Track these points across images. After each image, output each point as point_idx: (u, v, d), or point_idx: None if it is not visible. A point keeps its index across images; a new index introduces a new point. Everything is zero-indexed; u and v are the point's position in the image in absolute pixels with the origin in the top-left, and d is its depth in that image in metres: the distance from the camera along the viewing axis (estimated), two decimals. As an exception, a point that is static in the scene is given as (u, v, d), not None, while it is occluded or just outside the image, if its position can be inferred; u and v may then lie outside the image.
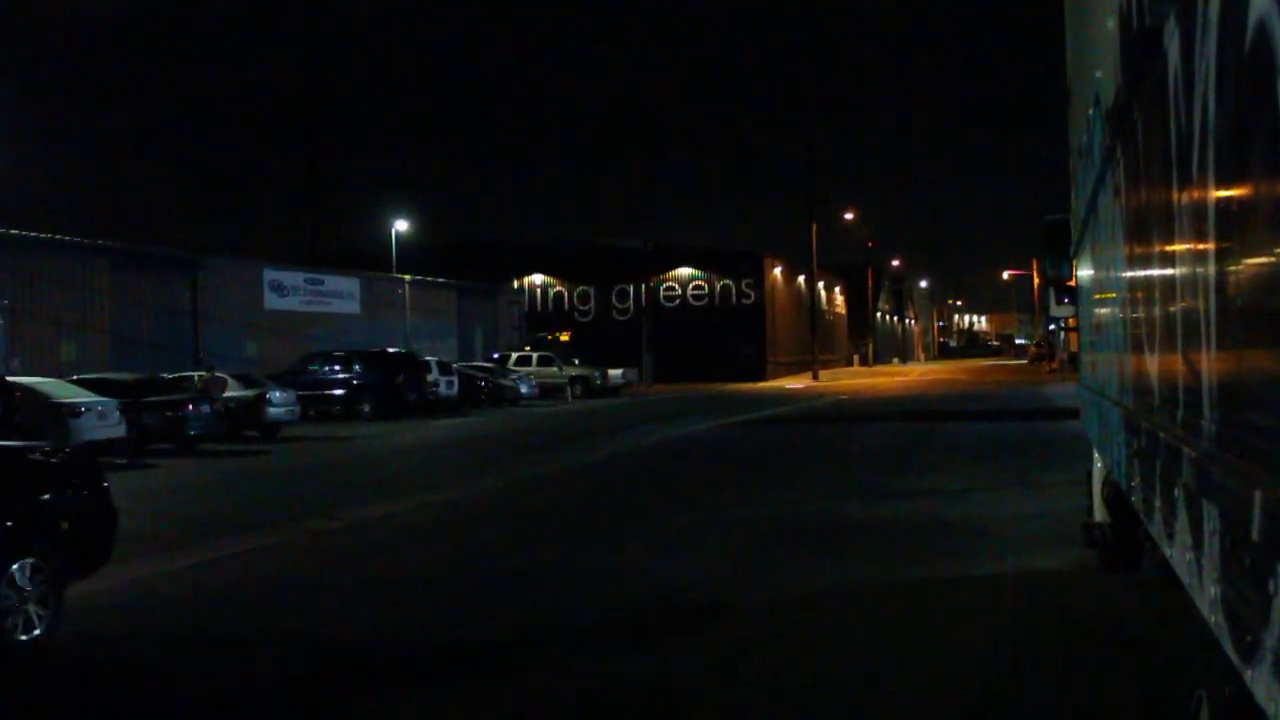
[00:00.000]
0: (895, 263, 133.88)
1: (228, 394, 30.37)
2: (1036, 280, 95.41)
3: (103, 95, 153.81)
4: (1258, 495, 2.31)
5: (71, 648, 8.72)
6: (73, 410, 23.38)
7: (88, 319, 39.09)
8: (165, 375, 31.39)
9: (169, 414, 26.35)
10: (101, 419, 23.80)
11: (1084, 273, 9.39)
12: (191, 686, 7.88)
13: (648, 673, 7.83)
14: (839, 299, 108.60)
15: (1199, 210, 3.02)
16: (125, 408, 24.64)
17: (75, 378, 27.58)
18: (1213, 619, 2.93)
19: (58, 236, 39.60)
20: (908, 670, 7.70)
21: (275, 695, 7.63)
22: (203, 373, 31.07)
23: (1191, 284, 3.21)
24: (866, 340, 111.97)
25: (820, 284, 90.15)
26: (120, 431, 24.22)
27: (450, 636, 9.04)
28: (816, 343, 77.20)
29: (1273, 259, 2.26)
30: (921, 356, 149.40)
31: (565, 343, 66.46)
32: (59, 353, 37.02)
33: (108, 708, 7.50)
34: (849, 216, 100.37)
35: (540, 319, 77.18)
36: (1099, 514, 9.36)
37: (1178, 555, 3.62)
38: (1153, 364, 4.28)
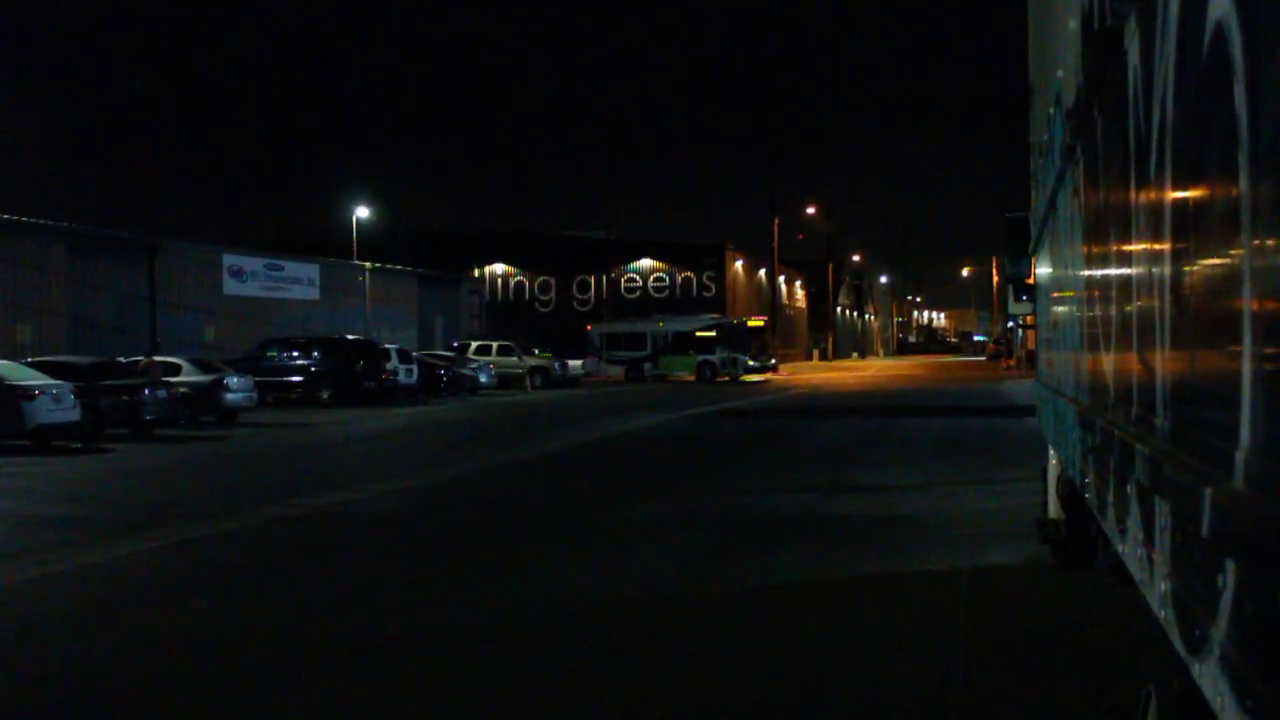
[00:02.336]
0: (856, 258, 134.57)
1: (184, 378, 30.15)
2: (995, 278, 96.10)
3: (62, 76, 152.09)
4: (1208, 492, 2.34)
5: None
6: (27, 393, 23.15)
7: (44, 302, 38.72)
8: (122, 359, 31.18)
9: (125, 398, 26.12)
10: (56, 402, 23.58)
11: (1042, 271, 9.46)
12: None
13: (599, 671, 7.84)
14: (799, 293, 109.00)
15: (1156, 211, 3.05)
16: (80, 391, 24.42)
17: (30, 360, 27.32)
18: (1162, 614, 2.96)
19: (13, 217, 39.18)
20: (860, 665, 7.73)
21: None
22: (141, 357, 30.89)
23: (1147, 283, 3.24)
24: (826, 334, 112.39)
25: (781, 278, 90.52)
26: (75, 415, 24.00)
27: (392, 628, 9.02)
28: (776, 336, 77.40)
29: (1227, 260, 2.29)
30: (880, 352, 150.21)
31: (757, 329, 65.21)
32: (14, 335, 36.68)
33: None
34: (811, 211, 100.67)
35: (501, 309, 77.02)
36: (1053, 510, 9.43)
37: (1129, 551, 3.65)
38: (1108, 362, 4.32)
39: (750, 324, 64.68)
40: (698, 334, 60.97)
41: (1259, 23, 2.00)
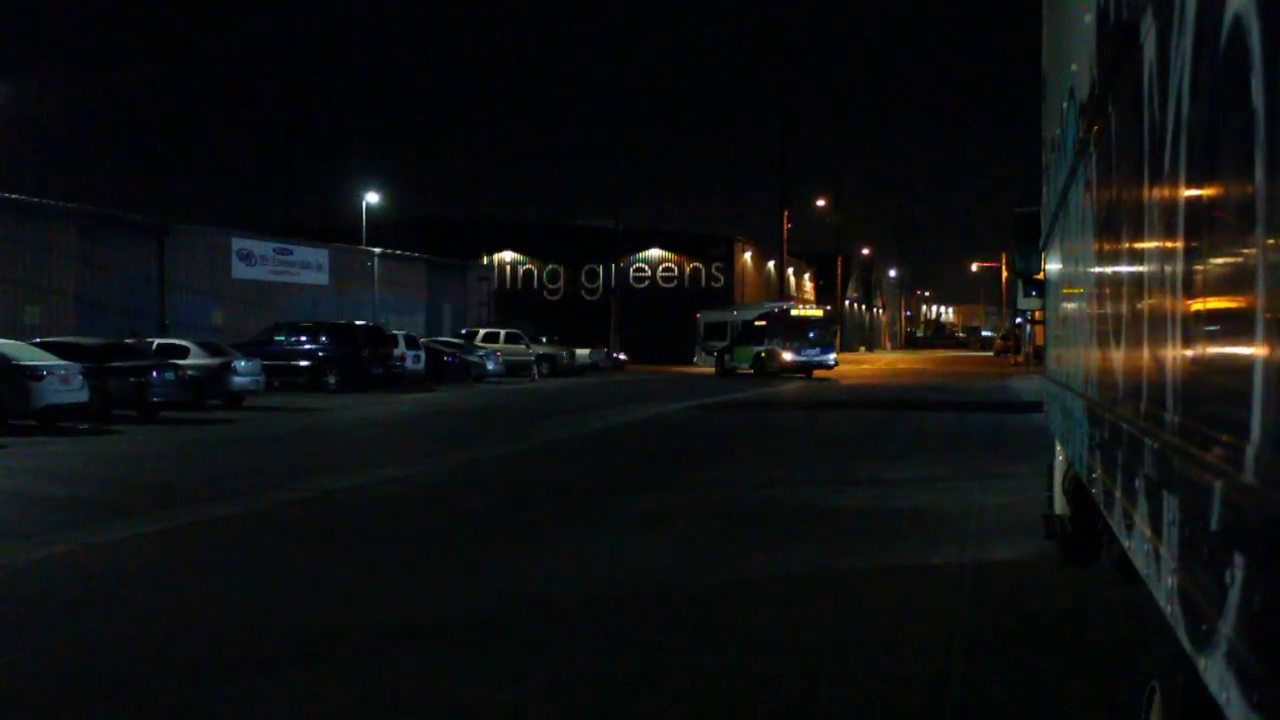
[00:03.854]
0: (865, 251, 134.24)
1: (192, 361, 30.22)
2: (1005, 273, 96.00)
3: (74, 58, 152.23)
4: (1218, 486, 2.34)
5: None
6: (35, 373, 23.20)
7: (53, 283, 38.80)
8: (129, 341, 31.29)
9: (132, 380, 26.18)
10: (64, 383, 23.64)
11: (1052, 266, 9.44)
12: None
13: (599, 663, 7.84)
14: (808, 285, 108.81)
15: (1169, 206, 3.04)
16: (88, 372, 24.48)
17: (38, 341, 27.38)
18: (1168, 609, 2.96)
19: (25, 198, 39.24)
20: (860, 660, 7.73)
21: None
22: (129, 340, 31.08)
23: (1159, 279, 3.23)
24: (834, 327, 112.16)
25: (790, 270, 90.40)
26: (83, 396, 24.06)
27: (393, 616, 9.03)
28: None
29: (1239, 256, 2.28)
30: (888, 345, 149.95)
31: (814, 319, 59.75)
32: (23, 316, 36.75)
33: None
34: (820, 204, 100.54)
35: (509, 296, 76.98)
36: (1060, 506, 9.42)
37: (1136, 546, 3.65)
38: (1118, 357, 4.32)
39: (795, 314, 58.86)
40: (755, 324, 57.60)
41: (1278, 15, 2.00)
